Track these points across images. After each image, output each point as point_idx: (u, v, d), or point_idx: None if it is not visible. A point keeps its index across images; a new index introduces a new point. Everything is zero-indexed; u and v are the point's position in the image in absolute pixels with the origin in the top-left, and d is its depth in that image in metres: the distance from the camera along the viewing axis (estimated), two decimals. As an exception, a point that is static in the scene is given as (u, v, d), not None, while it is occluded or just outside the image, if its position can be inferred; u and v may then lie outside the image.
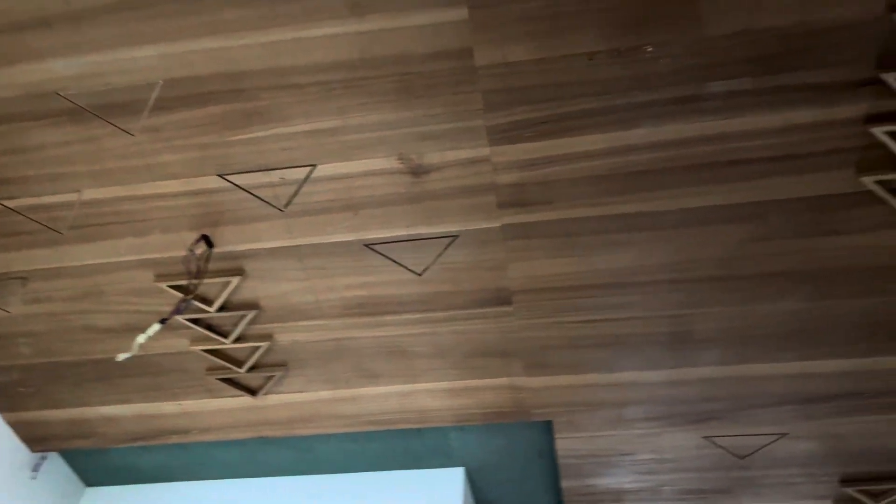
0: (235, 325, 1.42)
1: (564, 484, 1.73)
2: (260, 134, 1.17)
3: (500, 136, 1.14)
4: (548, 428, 1.62)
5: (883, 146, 1.08)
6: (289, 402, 1.57)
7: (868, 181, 1.12)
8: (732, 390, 1.46)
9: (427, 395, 1.54)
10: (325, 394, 1.55)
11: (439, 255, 1.30)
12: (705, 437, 1.56)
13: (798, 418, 1.51)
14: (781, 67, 1.03)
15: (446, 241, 1.28)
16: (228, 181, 1.23)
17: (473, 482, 1.80)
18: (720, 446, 1.58)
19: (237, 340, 1.44)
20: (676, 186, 1.17)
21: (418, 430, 1.65)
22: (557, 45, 1.04)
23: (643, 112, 1.09)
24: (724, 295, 1.31)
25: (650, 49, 1.02)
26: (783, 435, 1.54)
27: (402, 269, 1.32)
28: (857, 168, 1.12)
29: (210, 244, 1.30)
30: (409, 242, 1.29)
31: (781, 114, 1.07)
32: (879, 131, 1.06)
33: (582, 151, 1.15)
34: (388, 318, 1.40)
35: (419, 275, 1.33)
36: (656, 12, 0.99)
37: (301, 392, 1.55)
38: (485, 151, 1.16)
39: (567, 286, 1.33)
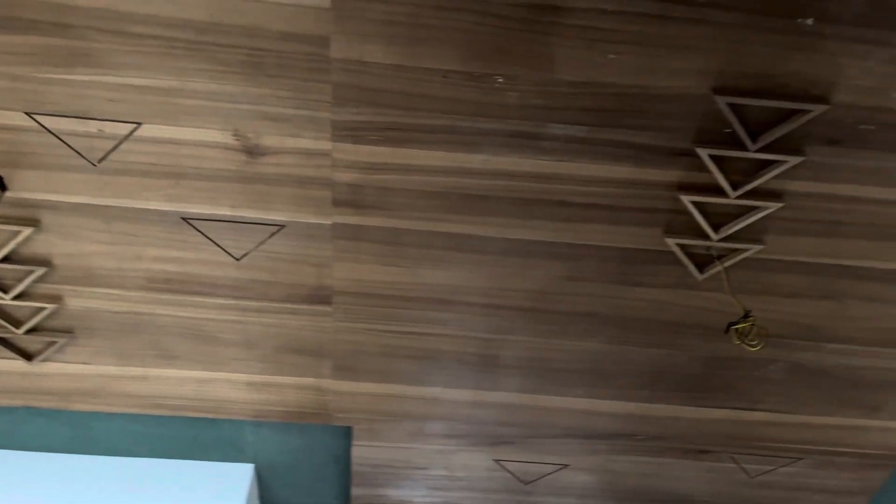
0: (20, 280, 1.28)
1: (355, 492, 1.72)
2: (83, 77, 1.06)
3: (345, 133, 1.12)
4: (347, 433, 1.61)
5: (688, 213, 1.18)
6: (70, 372, 1.43)
7: (671, 243, 1.22)
8: (526, 418, 1.53)
9: (227, 385, 1.47)
10: (112, 369, 1.43)
11: (262, 242, 1.25)
12: (496, 460, 1.62)
13: (580, 452, 1.60)
14: (614, 123, 1.10)
15: (272, 229, 1.23)
16: (37, 122, 1.11)
17: (262, 480, 1.74)
18: (508, 470, 1.64)
19: (19, 297, 1.29)
20: (505, 216, 1.21)
21: (212, 420, 1.57)
22: (415, 56, 1.04)
23: (485, 139, 1.12)
24: (532, 326, 1.37)
25: (501, 80, 1.05)
26: (565, 466, 1.63)
27: (219, 250, 1.26)
28: (664, 229, 1.22)
29: (3, 186, 1.16)
30: (231, 224, 1.23)
31: (607, 166, 1.14)
32: (687, 199, 1.16)
33: (422, 165, 1.15)
34: (196, 299, 1.32)
35: (237, 259, 1.27)
36: (515, 46, 1.02)
37: (86, 364, 1.42)
38: (326, 146, 1.14)
39: (389, 294, 1.33)
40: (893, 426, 1.52)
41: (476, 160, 1.14)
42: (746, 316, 1.16)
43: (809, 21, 0.98)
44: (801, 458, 1.60)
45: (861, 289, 1.30)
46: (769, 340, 1.36)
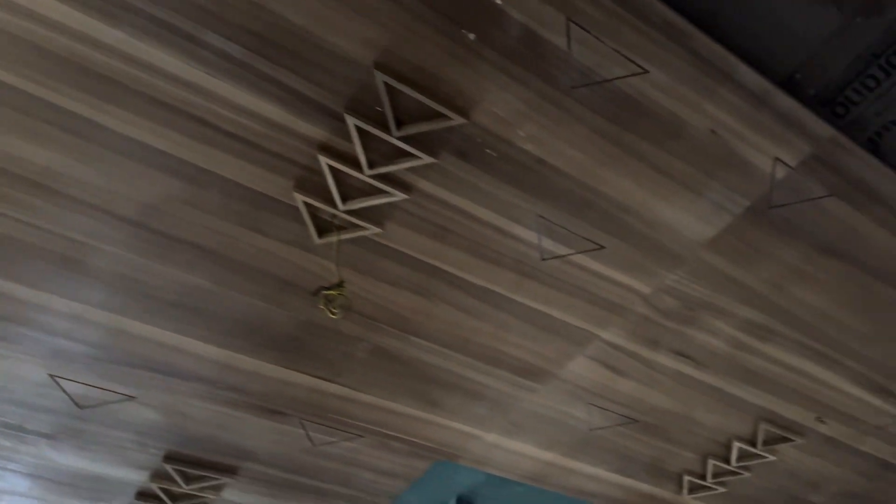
0: None
1: None
2: None
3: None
4: None
5: (322, 176, 1.19)
6: None
7: (299, 199, 1.21)
8: (101, 338, 1.39)
9: None
10: None
11: None
12: (52, 376, 1.45)
13: (154, 387, 1.52)
14: (274, 58, 1.05)
15: None
16: None
17: None
18: (64, 390, 1.48)
19: None
20: (133, 112, 1.09)
21: None
22: None
23: (131, 16, 0.99)
24: (134, 242, 1.26)
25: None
26: (132, 398, 1.52)
27: None
28: (296, 183, 1.21)
29: None
30: None
31: (257, 99, 1.10)
32: (325, 161, 1.16)
33: (44, 16, 0.98)
34: None
35: None
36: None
37: None
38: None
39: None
40: (444, 422, 1.71)
41: (112, 36, 1.01)
42: (339, 285, 1.20)
43: (472, 36, 1.05)
44: (362, 437, 1.71)
45: (452, 295, 1.44)
46: (363, 322, 1.44)
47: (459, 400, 1.66)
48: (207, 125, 1.13)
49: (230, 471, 1.74)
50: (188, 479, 1.73)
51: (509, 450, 1.82)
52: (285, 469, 1.78)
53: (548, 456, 1.86)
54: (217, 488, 1.77)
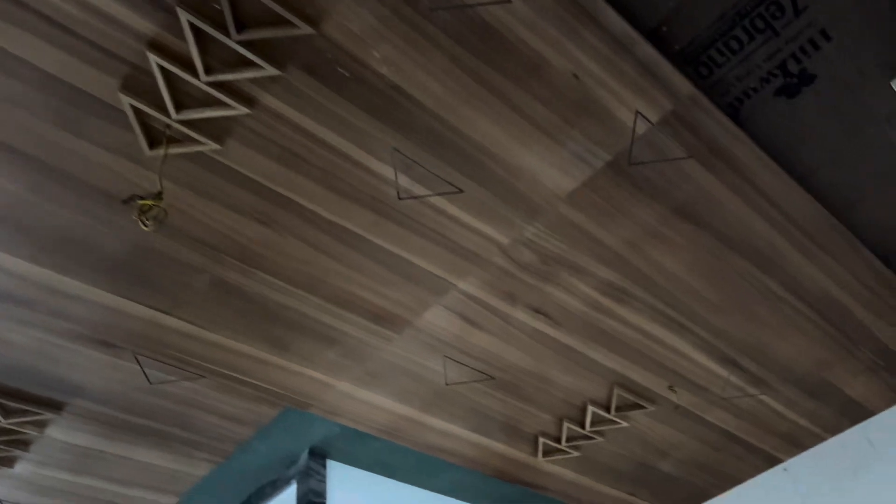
0: None
1: None
2: None
3: None
4: None
5: (153, 77, 1.08)
6: None
7: (126, 101, 1.10)
8: None
9: None
10: None
11: None
12: None
13: (-38, 306, 1.37)
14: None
15: None
16: None
17: None
18: None
19: None
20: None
21: None
22: None
23: None
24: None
25: None
26: (-66, 316, 1.37)
27: None
28: (123, 83, 1.09)
29: None
30: None
31: (76, -22, 0.97)
32: (155, 59, 1.05)
33: None
34: None
35: None
36: None
37: None
38: None
39: None
40: (293, 368, 1.63)
41: None
42: (158, 196, 1.10)
43: (320, -67, 0.97)
44: (204, 377, 1.61)
45: (303, 230, 1.36)
46: (204, 251, 1.34)
47: (310, 344, 1.59)
48: (20, 5, 0.99)
49: (54, 406, 1.61)
50: (6, 412, 1.59)
51: (363, 401, 1.77)
52: (118, 408, 1.66)
53: (403, 409, 1.82)
54: (39, 424, 1.63)
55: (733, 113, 1.35)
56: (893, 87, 1.34)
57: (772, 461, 2.30)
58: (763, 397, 1.98)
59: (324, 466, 2.00)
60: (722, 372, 1.87)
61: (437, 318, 1.59)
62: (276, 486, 2.06)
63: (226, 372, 1.61)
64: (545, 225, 1.42)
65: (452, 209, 1.37)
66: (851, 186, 1.52)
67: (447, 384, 1.77)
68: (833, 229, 1.54)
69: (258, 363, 1.61)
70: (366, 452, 2.02)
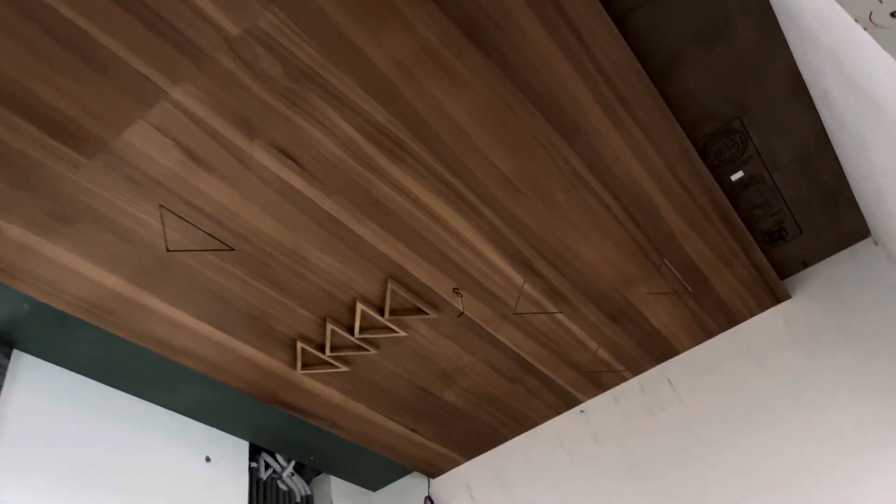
0: None
1: None
2: None
3: None
4: None
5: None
6: None
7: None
8: None
9: None
10: None
11: None
12: None
13: None
14: None
15: None
16: None
17: None
18: None
19: None
20: None
21: None
22: None
23: None
24: None
25: None
26: None
27: None
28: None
29: None
30: None
31: None
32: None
33: None
34: None
35: None
36: None
37: None
38: None
39: None
40: None
41: None
42: None
43: None
44: None
45: None
46: None
47: (-45, 156, 1.13)
48: None
49: None
50: None
51: (48, 258, 1.33)
52: None
53: (109, 280, 1.40)
54: None
55: None
56: None
57: (569, 401, 2.08)
58: (560, 317, 1.74)
59: (7, 357, 1.53)
60: (516, 277, 1.60)
61: (144, 142, 1.18)
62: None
63: None
64: (291, 15, 1.06)
65: (151, -40, 0.97)
66: (672, 41, 1.29)
67: (168, 249, 1.36)
68: (646, 92, 1.30)
69: None
70: (70, 344, 1.57)
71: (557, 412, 2.12)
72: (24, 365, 1.57)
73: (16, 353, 1.55)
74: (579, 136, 1.32)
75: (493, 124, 1.27)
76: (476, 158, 1.33)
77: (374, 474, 2.30)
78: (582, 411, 2.10)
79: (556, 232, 1.51)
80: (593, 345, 1.86)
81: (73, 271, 1.36)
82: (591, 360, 1.92)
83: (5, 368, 1.51)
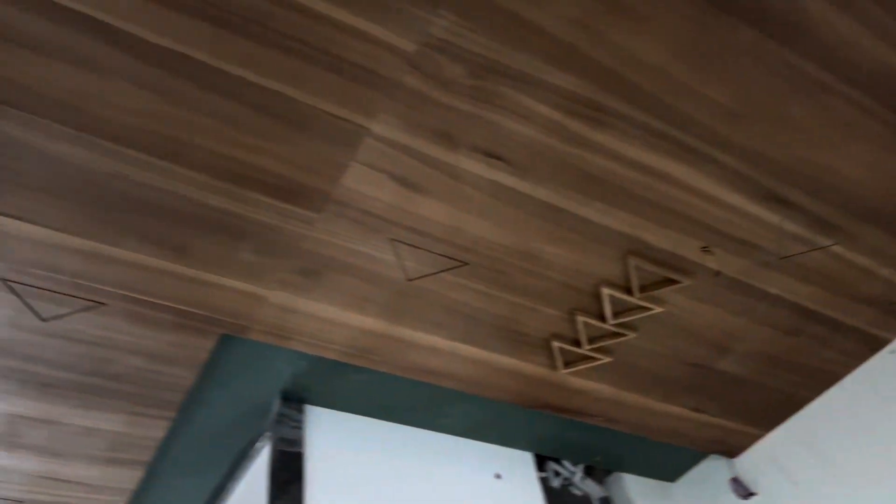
0: None
1: None
2: None
3: None
4: None
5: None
6: None
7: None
8: None
9: None
10: None
11: None
12: None
13: None
14: None
15: None
16: None
17: None
18: None
19: None
20: None
21: None
22: None
23: None
24: None
25: None
26: None
27: None
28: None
29: None
30: None
31: None
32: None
33: None
34: None
35: None
36: None
37: None
38: None
39: None
40: (204, 278, 1.32)
41: None
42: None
43: None
44: (104, 304, 1.33)
45: (125, 64, 1.05)
46: None
47: (209, 240, 1.27)
48: None
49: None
50: None
51: (308, 313, 1.44)
52: (13, 355, 1.41)
53: (362, 321, 1.48)
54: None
55: None
56: None
57: (872, 343, 1.80)
58: (837, 248, 1.51)
59: (300, 412, 1.68)
60: (770, 217, 1.42)
61: (360, 183, 1.24)
62: (257, 446, 1.76)
63: (121, 292, 1.32)
64: (457, 12, 1.05)
65: (320, 3, 1.02)
66: None
67: (409, 279, 1.41)
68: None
69: (155, 273, 1.30)
70: (347, 390, 1.68)
71: (862, 359, 1.85)
72: (316, 417, 1.71)
73: (307, 407, 1.70)
74: (798, 34, 1.14)
75: (691, 54, 1.15)
76: (685, 98, 1.20)
77: (668, 464, 2.17)
78: (893, 351, 1.81)
79: (801, 153, 1.31)
80: (884, 271, 1.59)
81: (330, 321, 1.46)
82: (886, 290, 1.64)
83: (301, 423, 1.65)
